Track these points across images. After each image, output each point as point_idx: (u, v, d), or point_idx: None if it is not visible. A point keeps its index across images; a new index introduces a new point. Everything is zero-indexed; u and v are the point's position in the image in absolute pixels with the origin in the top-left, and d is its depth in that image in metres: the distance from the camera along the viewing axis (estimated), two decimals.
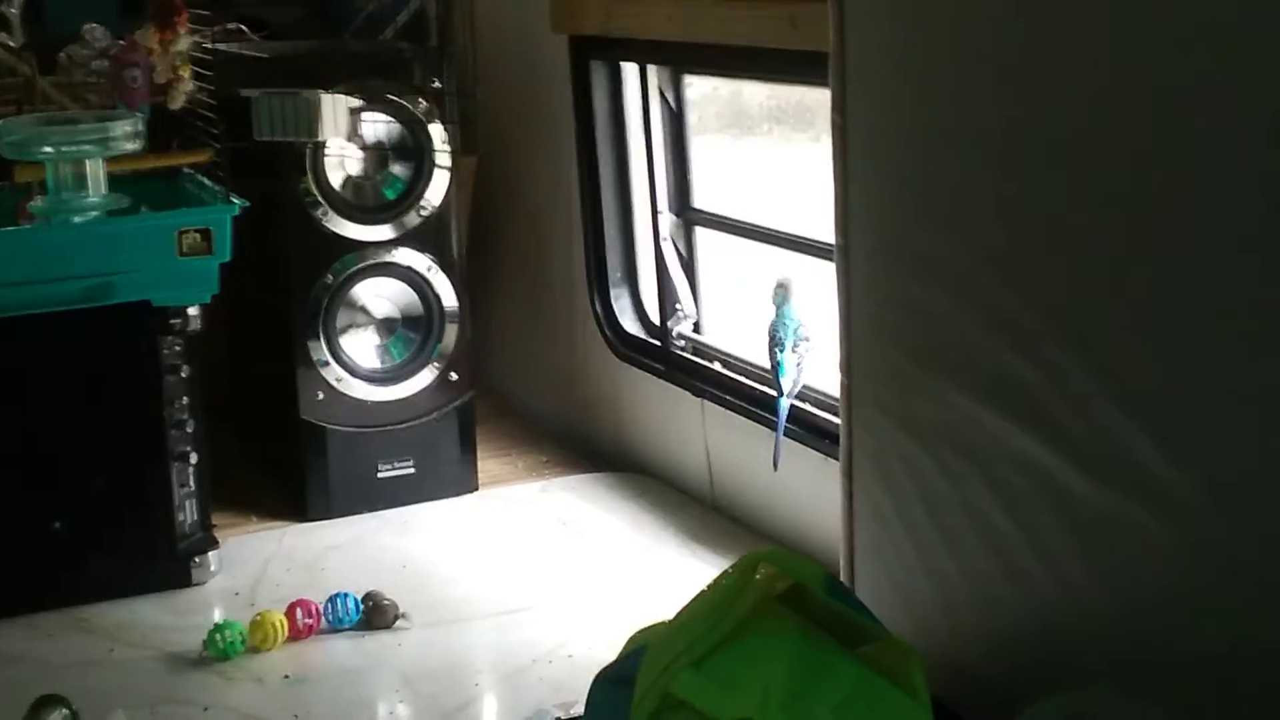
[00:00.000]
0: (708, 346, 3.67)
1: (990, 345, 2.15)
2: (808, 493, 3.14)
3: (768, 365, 3.19)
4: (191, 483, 3.23)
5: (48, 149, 3.02)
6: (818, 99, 3.24)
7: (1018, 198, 2.09)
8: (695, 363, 3.66)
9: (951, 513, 2.26)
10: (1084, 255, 1.98)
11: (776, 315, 3.16)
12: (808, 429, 3.16)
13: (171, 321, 3.13)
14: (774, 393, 3.19)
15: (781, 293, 3.17)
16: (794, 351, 3.14)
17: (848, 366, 2.51)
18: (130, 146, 3.08)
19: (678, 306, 3.73)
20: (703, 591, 2.05)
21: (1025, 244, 2.09)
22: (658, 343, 3.78)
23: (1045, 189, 2.03)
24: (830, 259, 3.08)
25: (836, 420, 3.04)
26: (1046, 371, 2.04)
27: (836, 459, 2.94)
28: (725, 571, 2.05)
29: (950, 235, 2.23)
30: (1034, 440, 2.08)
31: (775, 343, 3.15)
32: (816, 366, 3.14)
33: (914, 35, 2.27)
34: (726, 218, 3.62)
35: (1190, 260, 1.82)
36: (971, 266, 2.18)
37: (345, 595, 3.03)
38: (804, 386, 3.20)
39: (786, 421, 3.17)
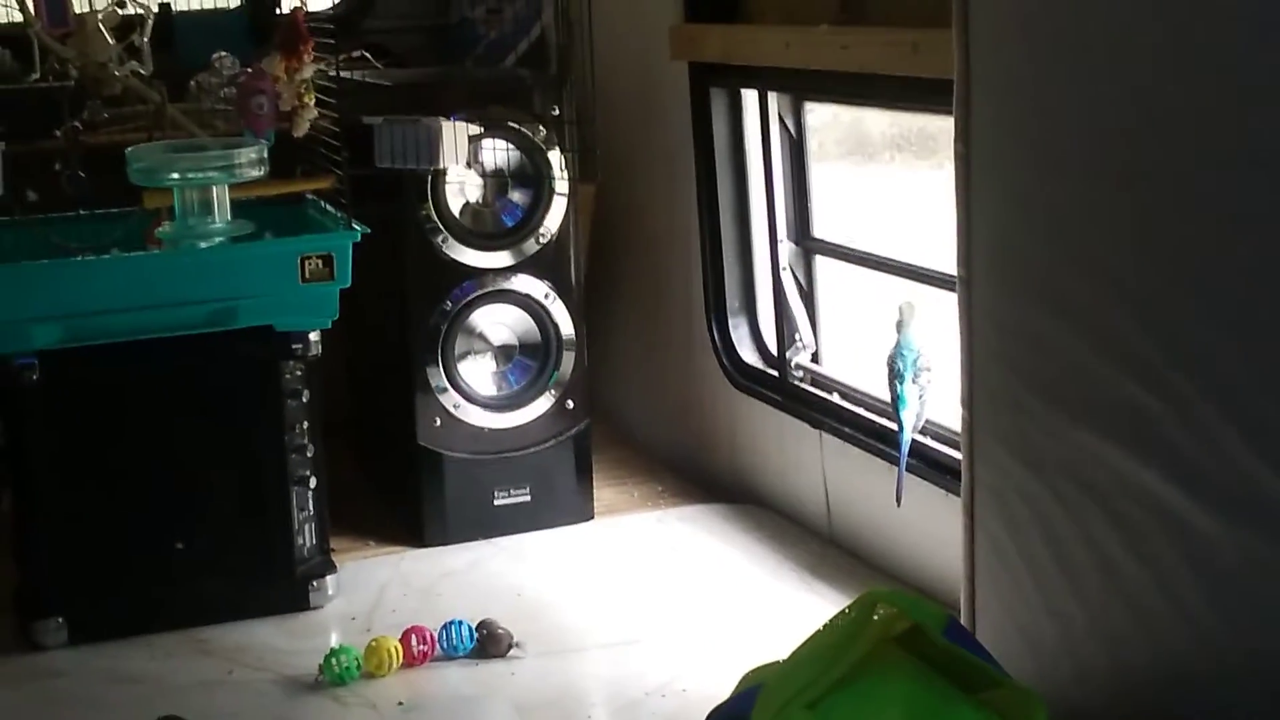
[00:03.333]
0: (826, 377, 3.62)
1: (1115, 378, 2.09)
2: (928, 528, 3.08)
3: (888, 398, 3.13)
4: (311, 506, 3.26)
5: (175, 176, 3.07)
6: (940, 126, 3.20)
7: (1145, 228, 2.03)
8: (813, 394, 3.61)
9: (1075, 551, 2.20)
10: (1213, 287, 1.92)
11: (896, 344, 3.08)
12: (928, 463, 3.11)
13: (293, 346, 3.17)
14: (894, 425, 3.14)
15: (902, 318, 3.08)
16: (914, 383, 3.05)
17: (969, 400, 2.46)
18: (255, 173, 3.12)
19: (796, 336, 3.69)
20: (819, 630, 2.01)
21: (1152, 275, 2.02)
22: (775, 373, 3.74)
23: (1173, 219, 1.97)
24: (951, 289, 3.06)
25: (957, 455, 3.01)
26: (1173, 405, 1.97)
27: (958, 494, 2.90)
28: (843, 611, 2.00)
29: (1074, 266, 2.17)
30: (1159, 476, 2.02)
31: (895, 374, 3.07)
32: (938, 398, 3.06)
33: (1040, 62, 2.22)
34: (846, 247, 3.58)
35: None
36: (1096, 298, 2.12)
37: (460, 623, 3.03)
38: (927, 420, 3.15)
39: (913, 455, 3.11)
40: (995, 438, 2.39)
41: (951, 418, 3.08)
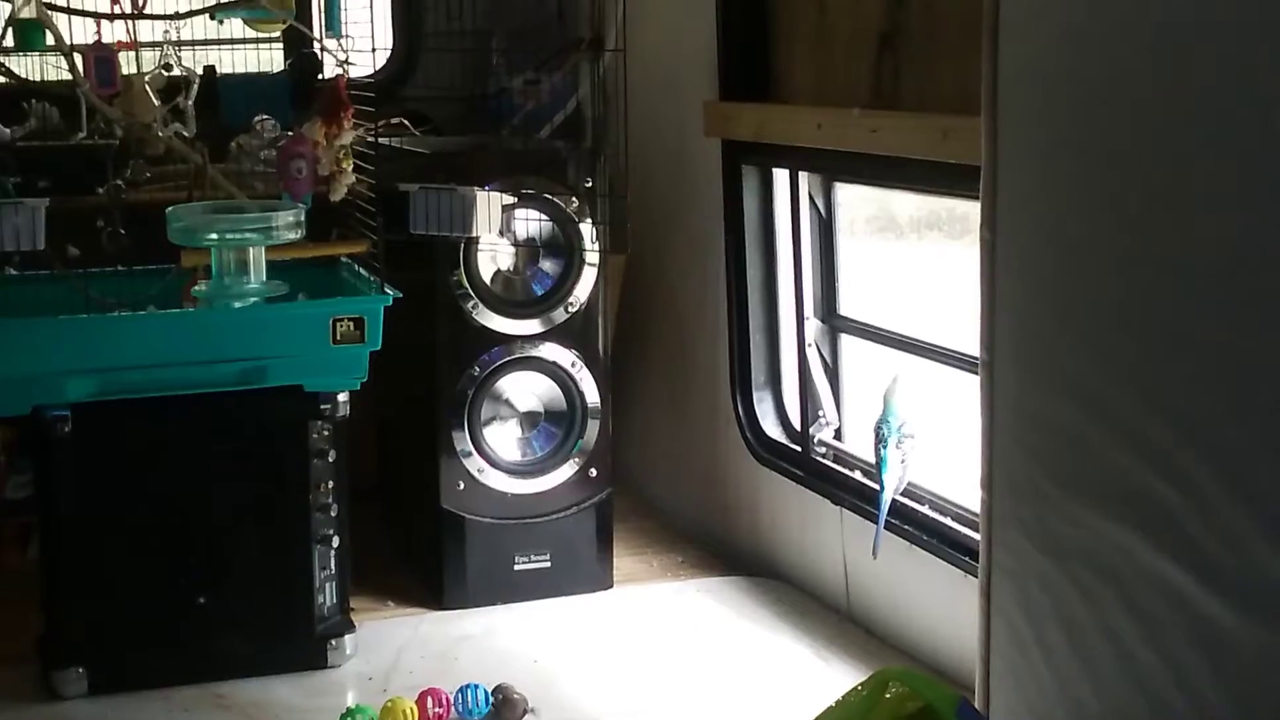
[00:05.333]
0: (849, 454, 3.64)
1: (1133, 467, 2.10)
2: (946, 609, 3.09)
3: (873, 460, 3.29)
4: (333, 566, 3.28)
5: (213, 236, 3.13)
6: (969, 209, 3.24)
7: (1164, 319, 2.05)
8: (836, 470, 3.63)
9: (1091, 638, 2.20)
10: (1232, 380, 1.94)
11: (882, 412, 3.25)
12: (947, 543, 3.12)
13: (322, 407, 3.21)
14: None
15: (889, 388, 3.26)
16: (897, 448, 3.22)
17: (989, 483, 2.47)
18: (292, 236, 3.18)
19: (820, 413, 3.72)
20: (831, 707, 2.02)
21: (1171, 366, 2.05)
22: (798, 448, 3.76)
23: (1194, 311, 2.00)
24: (972, 371, 3.09)
25: (977, 536, 3.03)
26: (1190, 496, 1.99)
27: (976, 575, 2.92)
28: (855, 688, 2.02)
29: (1096, 355, 2.20)
30: (1177, 567, 2.03)
31: (879, 439, 3.25)
32: (922, 465, 3.26)
33: (1066, 152, 2.25)
34: (873, 326, 3.61)
35: None
36: (1115, 386, 2.14)
37: (476, 687, 3.05)
38: (946, 500, 3.18)
39: (926, 534, 3.18)
40: (1014, 523, 2.40)
41: (971, 498, 3.13)
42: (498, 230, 3.41)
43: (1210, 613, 1.97)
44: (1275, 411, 1.88)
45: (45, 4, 3.16)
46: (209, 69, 4.50)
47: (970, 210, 3.29)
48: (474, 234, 3.37)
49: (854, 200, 3.74)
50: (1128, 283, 2.14)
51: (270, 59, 4.62)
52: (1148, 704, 2.09)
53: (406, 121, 4.13)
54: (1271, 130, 1.85)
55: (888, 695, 1.94)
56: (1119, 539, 2.14)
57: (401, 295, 3.25)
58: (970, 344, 3.10)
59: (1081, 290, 2.23)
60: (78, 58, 3.22)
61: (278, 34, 4.26)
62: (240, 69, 4.46)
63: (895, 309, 3.57)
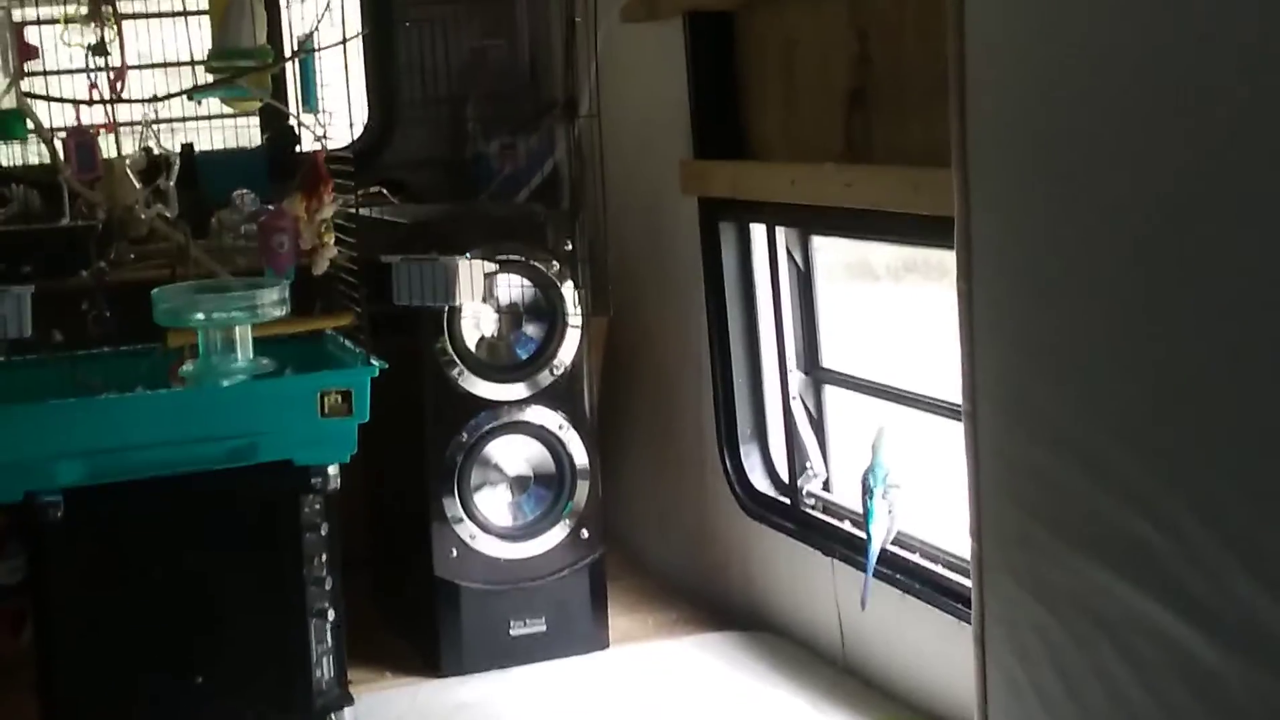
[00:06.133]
0: (838, 505, 3.66)
1: (1118, 512, 2.12)
2: (942, 658, 3.11)
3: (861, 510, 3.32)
4: (329, 639, 3.27)
5: (200, 316, 3.15)
6: (947, 256, 3.28)
7: (1146, 365, 2.08)
8: (825, 521, 3.65)
9: (1087, 685, 2.22)
10: (1214, 423, 1.96)
11: (870, 463, 3.29)
12: (941, 591, 3.14)
13: (312, 480, 3.21)
14: (904, 553, 3.22)
15: (876, 440, 3.30)
16: (884, 498, 3.26)
17: (978, 531, 2.50)
18: (277, 313, 3.19)
19: (807, 464, 3.74)
20: None
21: (1153, 411, 2.07)
22: (787, 500, 3.78)
23: (1174, 355, 2.03)
24: (957, 418, 3.12)
25: (969, 583, 3.04)
26: (1174, 539, 2.01)
27: (969, 622, 2.93)
28: None
29: (1075, 401, 2.22)
30: (1166, 611, 2.04)
31: (866, 490, 3.28)
32: (910, 514, 3.30)
33: (1039, 201, 2.29)
34: (855, 377, 3.64)
35: None
36: (1098, 432, 2.17)
37: None
38: (938, 548, 3.20)
39: (919, 582, 3.21)
40: (1004, 570, 2.42)
41: (962, 546, 3.15)
42: (481, 298, 3.43)
43: (1198, 653, 1.99)
44: (1252, 451, 1.91)
45: (24, 92, 3.19)
46: (187, 146, 4.55)
47: (946, 256, 3.35)
48: (457, 303, 3.40)
49: (832, 247, 3.77)
50: (1104, 327, 2.17)
51: (247, 134, 4.66)
52: None
53: (385, 190, 4.16)
54: (1242, 170, 1.88)
55: None
56: (1106, 583, 2.16)
57: (387, 365, 3.27)
58: (953, 388, 3.15)
59: (1059, 336, 2.26)
60: (58, 143, 3.25)
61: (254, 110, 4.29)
62: (217, 145, 4.50)
63: (878, 355, 3.60)
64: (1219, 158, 1.92)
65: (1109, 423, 2.16)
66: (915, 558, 3.27)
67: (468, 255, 3.41)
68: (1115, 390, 2.15)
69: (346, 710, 3.29)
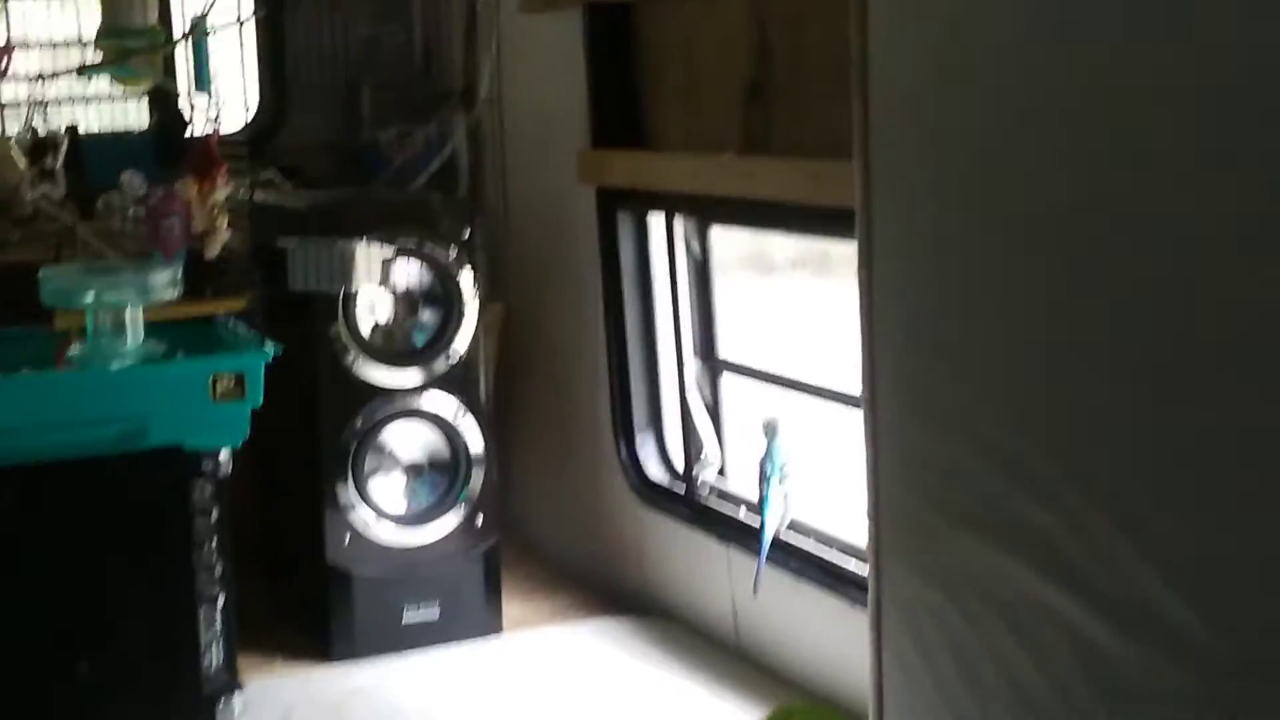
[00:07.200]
0: (732, 494, 3.68)
1: (1011, 494, 2.16)
2: (835, 642, 3.14)
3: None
4: (219, 625, 3.24)
5: (90, 298, 3.09)
6: (838, 249, 3.32)
7: (1038, 353, 2.12)
8: (720, 511, 3.67)
9: (981, 667, 2.25)
10: (1106, 409, 2.01)
11: (765, 452, 3.34)
12: (834, 576, 3.18)
13: (203, 465, 3.17)
14: (800, 540, 3.27)
15: (769, 430, 3.34)
16: (779, 485, 3.32)
17: (875, 516, 2.53)
18: (168, 295, 3.15)
19: (703, 452, 3.76)
20: None
21: (1047, 399, 2.12)
22: (682, 489, 3.80)
23: (1068, 345, 2.07)
24: (852, 405, 3.16)
25: (863, 569, 3.09)
26: (1067, 522, 2.05)
27: (864, 607, 2.97)
28: None
29: (970, 387, 2.25)
30: (1061, 593, 2.08)
31: (763, 477, 3.34)
32: (805, 501, 3.36)
33: (938, 190, 2.32)
34: (750, 367, 3.67)
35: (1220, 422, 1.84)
36: (994, 420, 2.20)
37: None
38: (830, 535, 3.25)
39: (812, 568, 3.24)
40: (900, 555, 2.45)
41: (858, 532, 3.19)
42: (378, 283, 3.41)
43: (1095, 637, 2.03)
44: (1142, 432, 1.96)
45: None
46: (71, 128, 4.45)
47: (838, 249, 3.39)
48: (354, 288, 3.37)
49: (731, 241, 3.80)
50: (1000, 315, 2.20)
51: (134, 116, 4.57)
52: None
53: (278, 175, 4.11)
54: (1139, 150, 1.93)
55: None
56: (1002, 566, 2.19)
57: (283, 350, 3.23)
58: (845, 379, 3.20)
59: (955, 327, 2.29)
60: None
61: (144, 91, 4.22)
62: (103, 128, 4.41)
63: (771, 345, 3.64)
64: (1120, 154, 1.96)
65: (1004, 411, 2.20)
66: (809, 544, 3.31)
67: (365, 239, 3.38)
68: (1008, 377, 2.19)
69: (236, 696, 3.25)
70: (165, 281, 3.15)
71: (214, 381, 3.13)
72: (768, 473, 3.33)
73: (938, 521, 2.35)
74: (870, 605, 2.56)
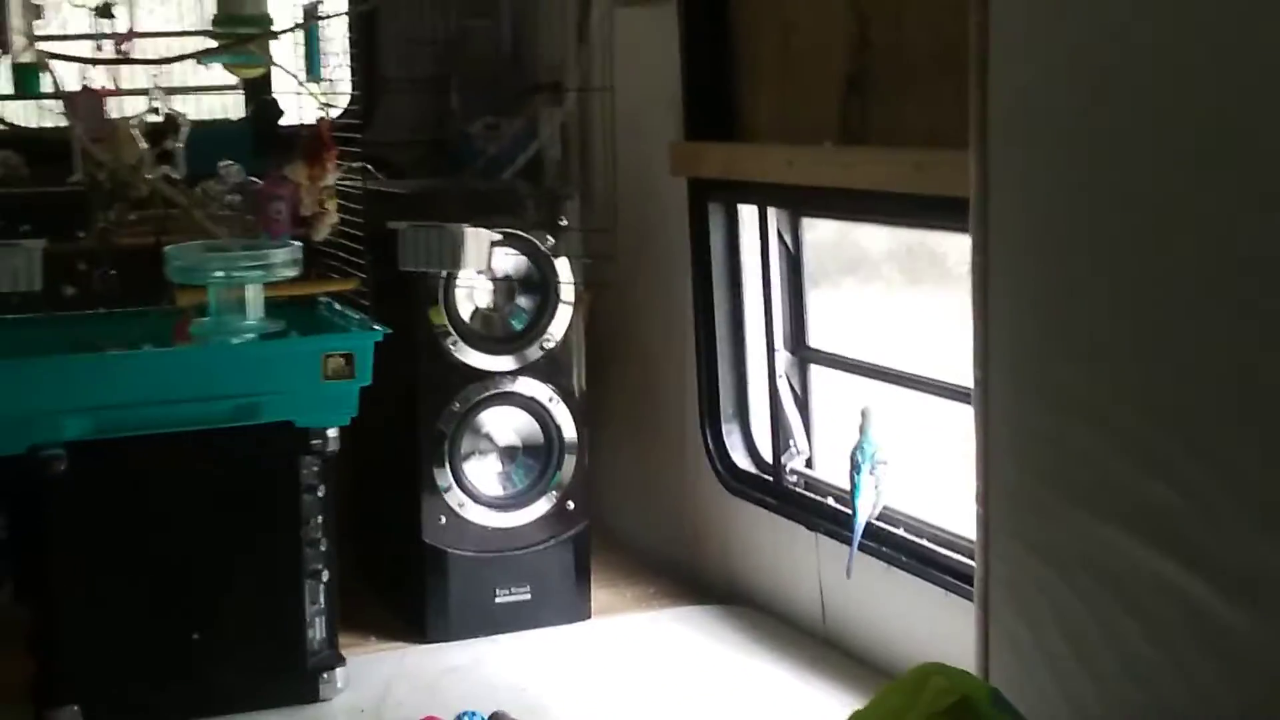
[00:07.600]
0: (821, 482, 3.73)
1: (1130, 472, 2.21)
2: (925, 629, 3.19)
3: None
4: (322, 600, 3.32)
5: (219, 274, 3.17)
6: (938, 241, 3.37)
7: (1160, 327, 2.17)
8: (808, 497, 3.72)
9: (1094, 643, 2.30)
10: (1228, 383, 2.05)
11: (858, 441, 3.38)
12: (926, 563, 3.22)
13: (312, 442, 3.25)
14: (888, 526, 3.34)
15: (863, 420, 3.38)
16: (871, 474, 3.36)
17: (985, 497, 2.58)
18: (290, 273, 3.23)
19: (791, 442, 3.81)
20: (873, 700, 2.11)
21: (1167, 372, 2.16)
22: (770, 477, 3.85)
23: (1187, 320, 2.12)
24: (946, 396, 3.22)
25: (956, 555, 3.14)
26: (1191, 498, 2.10)
27: (957, 594, 3.02)
28: (890, 685, 2.10)
29: (1090, 366, 2.31)
30: (1176, 566, 2.13)
31: (854, 466, 3.38)
32: (897, 490, 3.39)
33: (1055, 174, 2.37)
34: (842, 356, 3.71)
35: None
36: (1111, 396, 2.25)
37: (474, 714, 3.10)
38: (922, 521, 3.29)
39: (904, 555, 3.29)
40: (1011, 533, 2.50)
41: (947, 519, 3.24)
42: (485, 266, 3.48)
43: (1209, 607, 2.08)
44: (1269, 410, 2.00)
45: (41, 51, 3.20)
46: (169, 117, 4.54)
47: (931, 242, 3.44)
48: (463, 269, 3.44)
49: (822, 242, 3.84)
50: (1119, 293, 2.25)
51: (231, 106, 4.66)
52: (1152, 703, 2.18)
53: (369, 167, 4.19)
54: (1259, 148, 1.98)
55: (927, 689, 2.03)
56: (1119, 544, 2.24)
57: (391, 330, 3.31)
58: (940, 370, 3.26)
59: (1075, 310, 2.35)
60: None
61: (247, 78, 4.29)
62: (205, 115, 4.50)
63: (864, 340, 3.68)
64: (1240, 140, 2.01)
65: (1121, 385, 2.25)
66: (900, 532, 3.35)
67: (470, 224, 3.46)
68: (1130, 356, 2.23)
69: (338, 670, 3.33)
70: (287, 260, 3.23)
71: (325, 360, 3.21)
72: (859, 461, 3.37)
73: (1051, 499, 2.40)
74: (977, 584, 2.61)
